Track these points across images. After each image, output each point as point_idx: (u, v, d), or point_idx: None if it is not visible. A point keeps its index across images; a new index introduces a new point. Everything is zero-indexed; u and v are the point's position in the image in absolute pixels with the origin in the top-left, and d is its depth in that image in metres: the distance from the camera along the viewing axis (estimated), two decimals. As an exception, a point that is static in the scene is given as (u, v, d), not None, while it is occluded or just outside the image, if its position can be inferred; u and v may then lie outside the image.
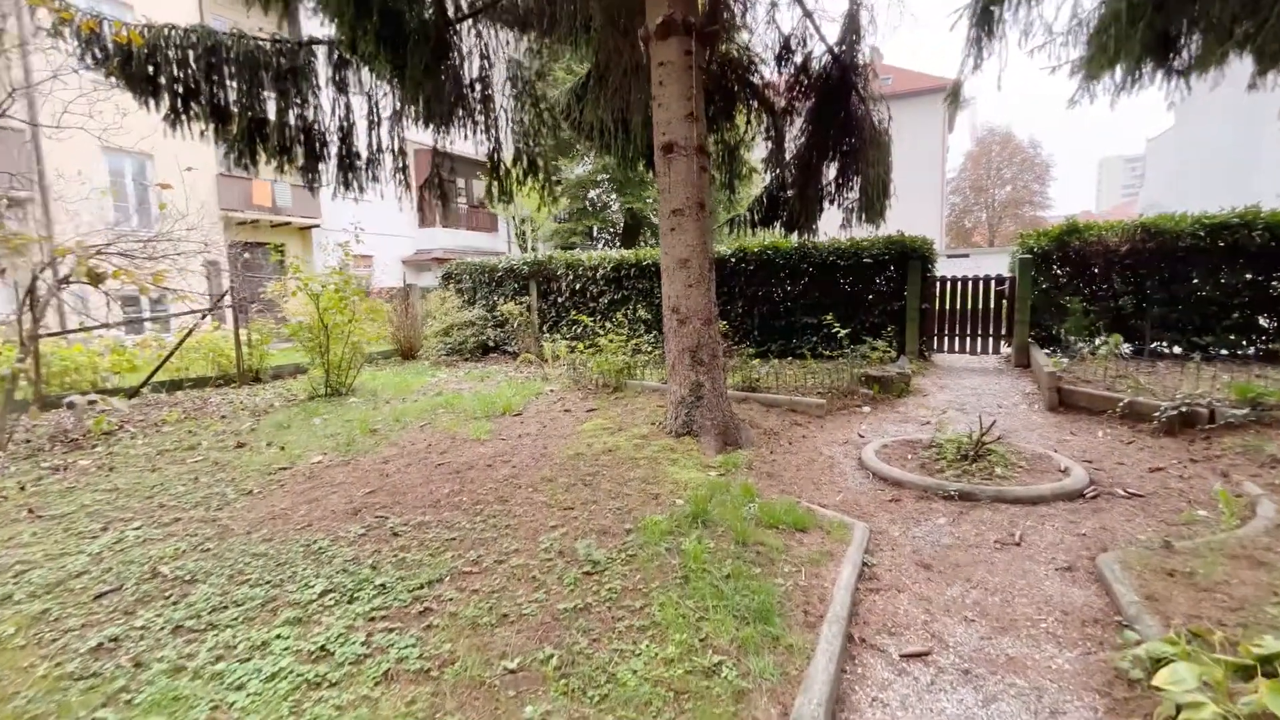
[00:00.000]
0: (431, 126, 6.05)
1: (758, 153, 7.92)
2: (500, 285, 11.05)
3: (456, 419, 6.04)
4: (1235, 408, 4.58)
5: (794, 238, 7.97)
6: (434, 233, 23.56)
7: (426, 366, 9.87)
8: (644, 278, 9.79)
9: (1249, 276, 6.71)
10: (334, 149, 5.72)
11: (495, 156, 5.93)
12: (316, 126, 5.66)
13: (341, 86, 5.64)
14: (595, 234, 27.94)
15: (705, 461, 4.44)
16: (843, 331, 7.08)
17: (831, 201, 7.39)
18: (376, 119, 5.74)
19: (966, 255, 26.22)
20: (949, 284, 8.28)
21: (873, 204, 7.06)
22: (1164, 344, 7.28)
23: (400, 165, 5.89)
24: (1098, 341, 7.63)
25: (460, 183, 24.13)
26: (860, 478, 4.34)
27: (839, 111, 6.85)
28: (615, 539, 3.18)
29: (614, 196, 26.90)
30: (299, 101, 5.53)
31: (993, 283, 8.00)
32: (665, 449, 4.63)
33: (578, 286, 10.31)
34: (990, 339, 8.13)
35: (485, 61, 6.27)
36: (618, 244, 26.46)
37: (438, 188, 6.01)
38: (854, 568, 2.93)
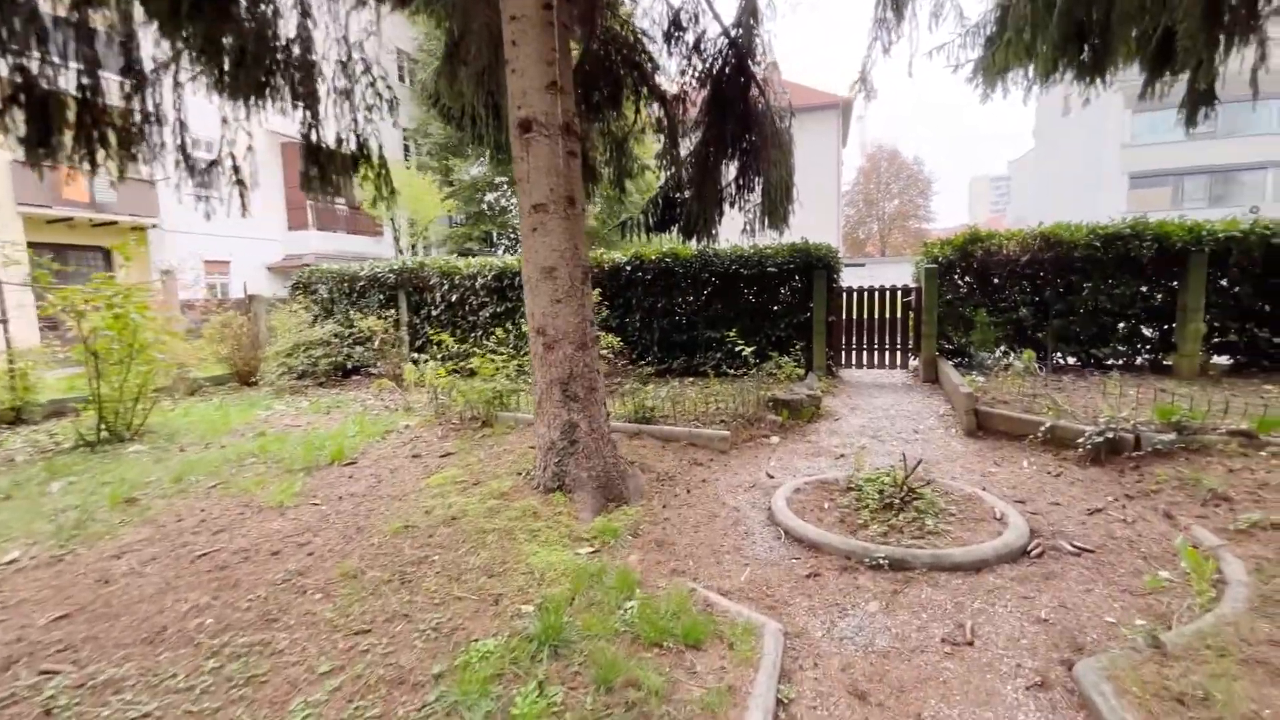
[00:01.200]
0: (233, 96, 4.66)
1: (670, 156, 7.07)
2: (363, 296, 9.49)
3: (266, 473, 4.64)
4: (1160, 432, 4.19)
5: (693, 244, 7.19)
6: (307, 236, 21.07)
7: (266, 395, 8.16)
8: (531, 288, 8.67)
9: (1140, 288, 6.66)
10: (73, 115, 4.19)
11: (314, 136, 4.62)
12: (44, 83, 4.10)
13: (83, 31, 4.13)
14: (495, 239, 26.32)
15: (577, 530, 3.41)
16: (747, 350, 6.33)
17: (732, 204, 6.67)
18: (138, 78, 4.27)
19: (863, 264, 27.14)
20: (855, 295, 7.83)
21: (776, 208, 6.40)
22: (1061, 356, 7.15)
23: (178, 142, 4.44)
24: (999, 352, 7.42)
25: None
26: (770, 539, 3.48)
27: (737, 104, 6.12)
28: (413, 696, 2.07)
29: (514, 200, 25.46)
30: (13, 47, 3.97)
31: (899, 293, 7.62)
32: (527, 513, 3.55)
33: (454, 298, 9.00)
34: (898, 352, 7.74)
35: (308, 20, 4.95)
36: (518, 251, 25.01)
37: (233, 174, 4.60)
38: (766, 714, 2.01)
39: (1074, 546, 3.21)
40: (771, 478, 4.45)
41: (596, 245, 19.44)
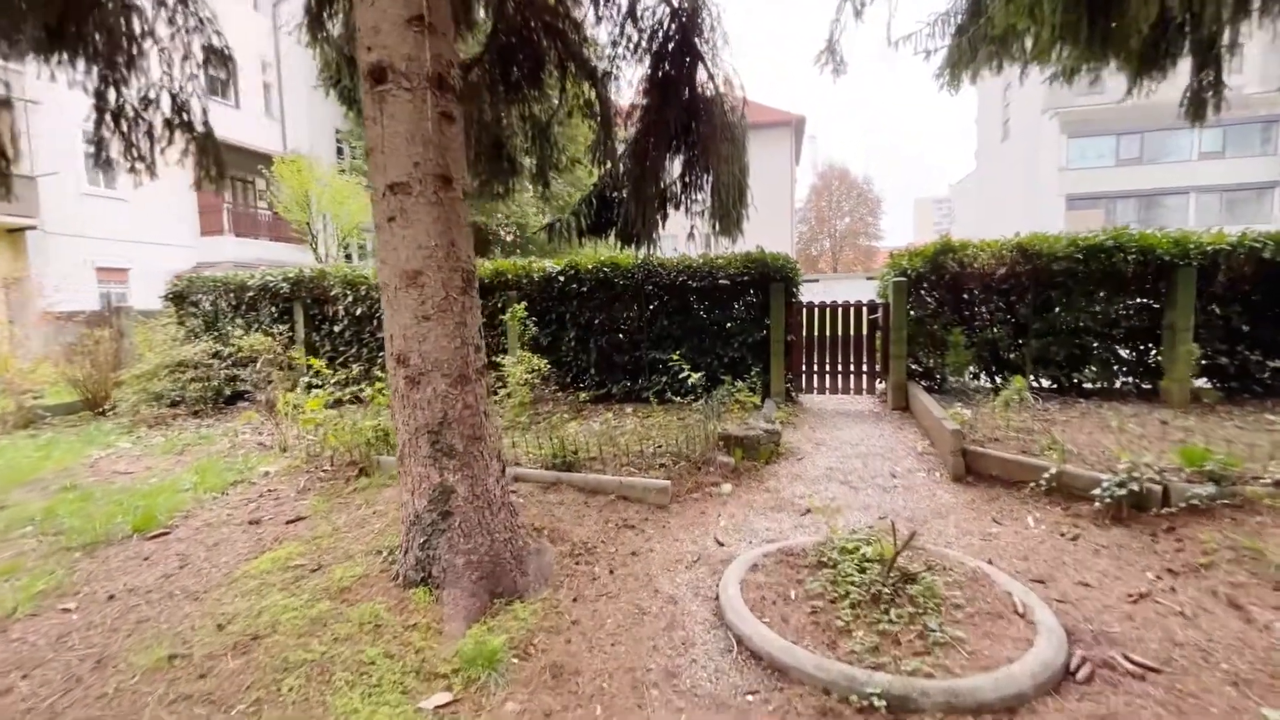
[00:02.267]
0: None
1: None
2: (254, 309, 8.10)
3: (29, 554, 3.35)
4: (1192, 482, 3.41)
5: (634, 252, 6.20)
6: (221, 242, 19.17)
7: (117, 428, 6.70)
8: (449, 300, 7.53)
9: (1122, 305, 6.05)
10: None
11: (112, 96, 3.42)
12: None
13: None
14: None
15: (433, 658, 2.31)
16: (695, 376, 5.35)
17: (677, 205, 5.76)
18: None
19: (817, 280, 26.83)
20: (815, 312, 6.99)
21: (728, 211, 5.50)
22: (1036, 379, 6.46)
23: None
24: (968, 375, 6.71)
25: (263, 184, 19.96)
26: (717, 653, 2.47)
27: (681, 87, 5.22)
28: None
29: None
30: None
31: (864, 310, 6.82)
32: (366, 626, 2.43)
33: (359, 311, 7.73)
34: (863, 376, 6.92)
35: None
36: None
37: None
38: None
39: (1133, 663, 2.31)
40: (722, 545, 3.45)
41: (533, 252, 18.23)
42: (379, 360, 7.58)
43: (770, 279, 6.72)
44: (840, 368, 6.95)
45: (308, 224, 16.41)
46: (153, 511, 3.75)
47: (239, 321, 8.06)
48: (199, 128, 3.60)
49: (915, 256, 6.57)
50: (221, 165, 3.75)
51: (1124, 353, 6.37)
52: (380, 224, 2.80)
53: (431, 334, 2.77)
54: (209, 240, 19.36)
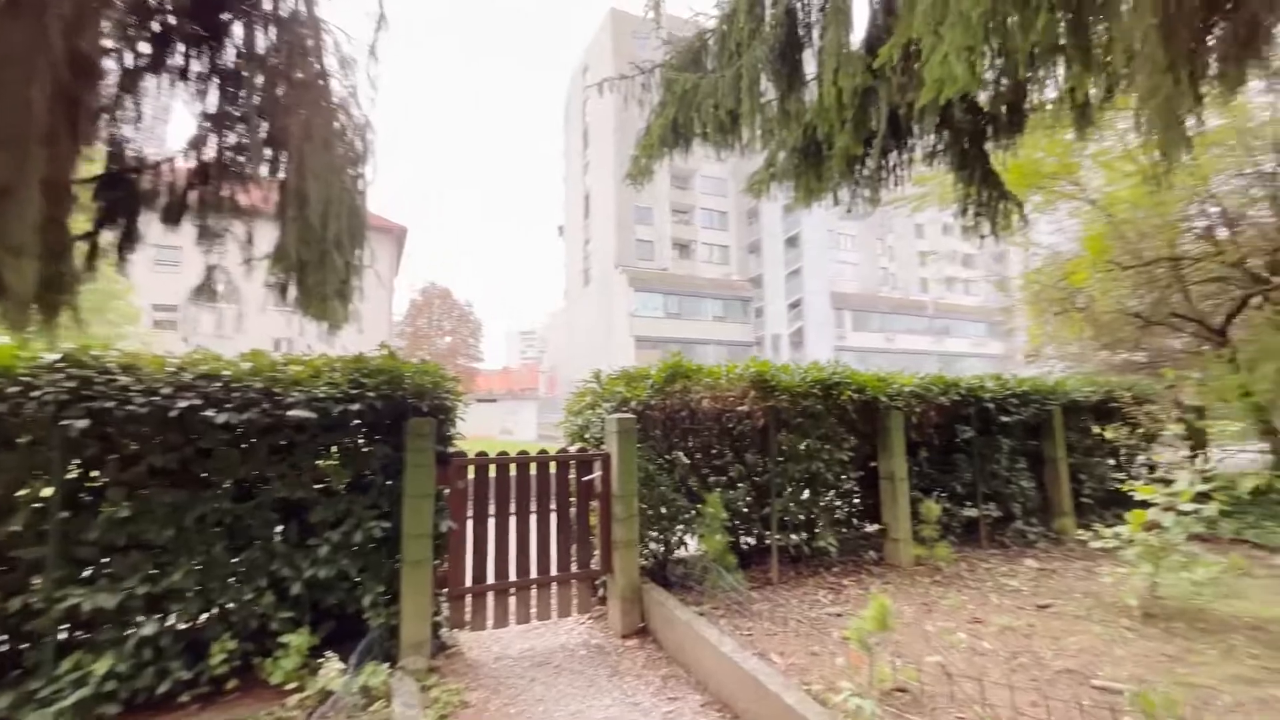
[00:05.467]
0: None
1: None
2: None
3: None
4: None
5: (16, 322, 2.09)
6: None
7: None
8: None
9: (853, 450, 5.02)
10: None
11: None
12: None
13: None
14: None
15: None
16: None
17: (200, 240, 2.19)
18: None
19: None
20: (489, 471, 3.90)
21: (325, 255, 2.22)
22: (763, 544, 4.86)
23: None
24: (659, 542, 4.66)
25: None
26: None
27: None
28: None
29: None
30: None
31: (571, 466, 4.10)
32: None
33: None
34: (570, 583, 3.95)
35: None
36: None
37: None
38: None
39: None
40: None
41: None
42: None
43: (407, 410, 3.43)
44: (530, 573, 3.91)
45: None
46: None
47: None
48: None
49: (637, 383, 4.36)
50: None
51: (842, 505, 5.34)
52: None
53: None
54: None
